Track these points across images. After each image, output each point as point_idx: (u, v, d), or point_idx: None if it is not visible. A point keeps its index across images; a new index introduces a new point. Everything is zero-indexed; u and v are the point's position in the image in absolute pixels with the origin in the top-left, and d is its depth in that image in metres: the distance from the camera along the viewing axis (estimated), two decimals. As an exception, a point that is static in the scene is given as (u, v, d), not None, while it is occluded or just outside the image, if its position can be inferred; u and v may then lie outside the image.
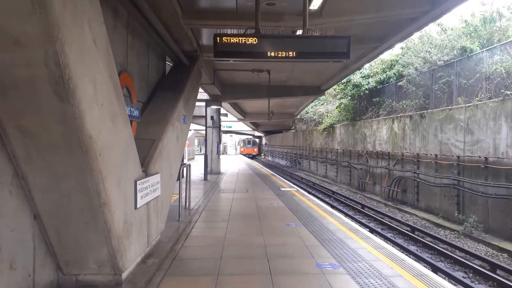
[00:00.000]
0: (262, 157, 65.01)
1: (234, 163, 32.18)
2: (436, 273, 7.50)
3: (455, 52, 14.73)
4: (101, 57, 3.84)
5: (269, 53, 5.66)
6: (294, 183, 20.80)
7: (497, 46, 12.52)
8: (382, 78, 19.70)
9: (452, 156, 12.59)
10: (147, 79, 7.57)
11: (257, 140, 66.59)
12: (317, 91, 19.21)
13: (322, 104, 32.27)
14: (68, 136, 3.52)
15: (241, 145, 63.48)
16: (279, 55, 5.71)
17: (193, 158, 38.18)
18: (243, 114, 32.30)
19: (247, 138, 64.28)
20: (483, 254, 9.40)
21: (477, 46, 14.20)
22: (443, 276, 7.85)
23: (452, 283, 7.15)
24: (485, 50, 12.65)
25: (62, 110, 3.35)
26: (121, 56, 5.93)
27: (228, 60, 5.68)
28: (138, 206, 4.86)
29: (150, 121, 6.65)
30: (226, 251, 5.96)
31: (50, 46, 3.03)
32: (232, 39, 5.53)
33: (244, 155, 56.76)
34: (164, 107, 7.20)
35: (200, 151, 50.79)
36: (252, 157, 56.21)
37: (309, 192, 18.45)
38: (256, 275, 4.91)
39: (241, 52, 5.55)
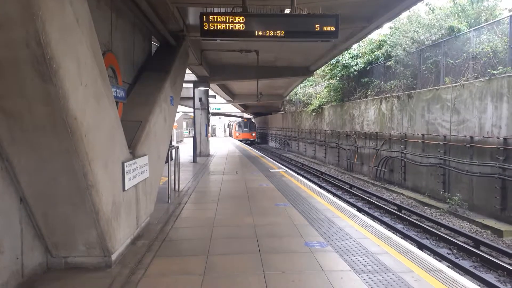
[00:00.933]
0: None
1: (223, 145, 32.14)
2: (421, 250, 7.68)
3: (443, 32, 14.75)
4: (84, 37, 3.73)
5: (257, 32, 5.59)
6: (283, 165, 20.91)
7: (484, 26, 12.56)
8: (370, 58, 19.68)
9: (439, 135, 12.75)
10: (133, 60, 7.42)
11: (254, 122, 51.62)
12: (305, 71, 19.12)
13: (311, 85, 32.22)
14: (52, 118, 3.45)
15: (236, 129, 47.88)
16: (267, 34, 5.65)
17: (181, 141, 38.02)
18: (232, 96, 32.08)
19: (243, 119, 49.28)
20: (467, 231, 9.64)
21: (465, 25, 14.23)
22: (428, 252, 8.05)
23: (436, 259, 7.35)
24: (473, 30, 12.68)
25: (46, 90, 3.27)
26: (105, 36, 5.78)
27: (215, 40, 5.61)
28: (126, 188, 4.83)
29: (137, 102, 6.55)
30: (216, 231, 6.00)
31: (31, 24, 2.96)
32: (219, 17, 5.44)
33: (240, 141, 42.07)
34: (150, 88, 7.09)
35: (189, 133, 50.51)
36: (250, 143, 43.54)
37: (298, 173, 18.60)
38: (245, 254, 4.96)
39: (229, 31, 5.48)
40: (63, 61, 3.27)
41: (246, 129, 46.84)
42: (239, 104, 43.84)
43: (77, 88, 3.53)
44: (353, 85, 21.49)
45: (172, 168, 9.13)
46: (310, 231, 6.00)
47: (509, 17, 10.98)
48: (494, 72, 10.59)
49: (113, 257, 4.46)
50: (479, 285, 6.15)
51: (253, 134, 47.21)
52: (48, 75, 3.18)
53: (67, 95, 3.34)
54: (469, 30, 13.04)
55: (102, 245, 4.30)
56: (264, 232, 5.91)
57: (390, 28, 19.98)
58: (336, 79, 23.01)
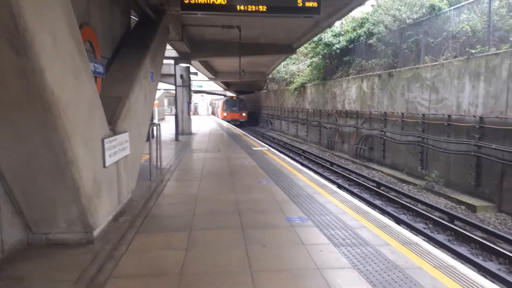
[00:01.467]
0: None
1: (205, 123, 31.99)
2: (399, 224, 7.93)
3: (424, 11, 14.80)
4: (60, 9, 3.62)
5: (238, 6, 5.52)
6: (265, 143, 20.99)
7: (464, 5, 12.66)
8: (352, 36, 19.67)
9: (418, 114, 12.98)
10: (112, 34, 7.22)
11: (245, 100, 44.32)
12: (288, 49, 18.99)
13: (293, 63, 32.09)
14: (29, 92, 3.37)
15: (223, 108, 40.82)
16: (249, 9, 5.58)
17: (163, 119, 37.60)
18: (214, 73, 31.70)
19: (231, 97, 43.51)
20: (442, 206, 9.98)
21: (445, 4, 14.31)
22: (405, 227, 8.32)
23: (413, 233, 7.60)
24: (453, 9, 12.78)
25: (20, 64, 3.19)
26: (82, 9, 5.60)
27: (196, 14, 5.52)
28: (107, 165, 4.79)
29: (116, 78, 6.42)
30: (199, 207, 6.04)
31: (3, -5, 2.85)
32: (200, -9, 5.33)
33: (229, 122, 36.48)
34: (130, 64, 6.94)
35: (171, 111, 49.85)
36: (240, 124, 37.28)
37: (280, 151, 18.73)
38: (228, 229, 5.03)
39: (210, 5, 5.39)
40: (38, 34, 3.17)
41: (235, 108, 40.25)
42: (221, 82, 43.37)
43: (53, 62, 3.44)
44: (335, 64, 21.52)
45: (154, 146, 9.07)
46: (291, 206, 6.10)
47: (489, -4, 11.08)
48: (473, 51, 10.75)
49: (95, 233, 4.46)
50: (452, 257, 6.42)
51: (244, 114, 40.30)
52: (22, 48, 3.09)
53: (43, 69, 3.26)
54: (450, 8, 13.13)
55: (83, 222, 4.28)
56: (246, 208, 5.99)
57: (372, 6, 19.94)
58: (319, 57, 22.97)
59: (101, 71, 5.98)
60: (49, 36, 3.38)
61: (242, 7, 5.52)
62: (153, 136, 8.86)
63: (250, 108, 47.03)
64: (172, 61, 18.61)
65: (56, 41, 3.50)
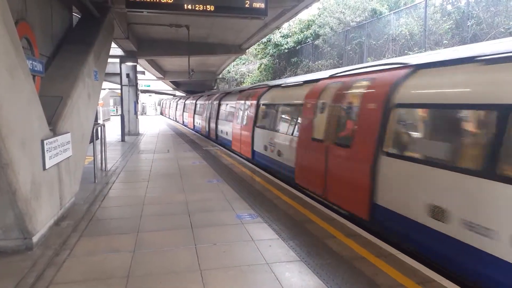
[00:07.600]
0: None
1: (154, 124, 31.26)
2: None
3: (367, 14, 15.53)
4: (-9, 1, 3.40)
5: (186, 5, 5.48)
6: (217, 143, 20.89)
7: (403, 9, 13.44)
8: (300, 38, 20.17)
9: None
10: (51, 31, 6.87)
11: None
12: (238, 49, 19.07)
13: (243, 64, 32.29)
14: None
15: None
16: (197, 9, 5.56)
17: (108, 119, 36.31)
18: (163, 73, 31.04)
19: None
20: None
21: (386, 8, 15.11)
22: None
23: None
24: (393, 13, 13.51)
25: None
26: (18, 4, 5.28)
27: (142, 12, 5.41)
28: (47, 167, 4.56)
29: (57, 77, 6.13)
30: (146, 209, 5.92)
31: None
32: (145, -12, 5.24)
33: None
34: (72, 62, 6.64)
35: (116, 111, 48.23)
36: None
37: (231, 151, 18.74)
38: (177, 229, 4.98)
39: (156, 4, 5.31)
40: (-34, 27, 2.97)
41: None
42: (170, 81, 42.56)
43: (-15, 57, 3.23)
44: (284, 65, 21.94)
45: (98, 147, 8.74)
46: (242, 204, 6.16)
47: (424, 2, 11.84)
48: (411, 53, 11.42)
49: (34, 239, 4.23)
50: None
51: None
52: (-51, 42, 2.88)
53: (-27, 65, 3.05)
54: (390, 13, 13.88)
55: (21, 227, 4.05)
56: (196, 208, 5.96)
57: (319, 8, 20.56)
58: (268, 58, 23.30)
59: (40, 69, 5.67)
60: (-21, 31, 3.17)
61: (189, 6, 5.49)
62: (97, 137, 8.54)
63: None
64: (117, 60, 18.03)
65: (-12, 36, 3.29)
